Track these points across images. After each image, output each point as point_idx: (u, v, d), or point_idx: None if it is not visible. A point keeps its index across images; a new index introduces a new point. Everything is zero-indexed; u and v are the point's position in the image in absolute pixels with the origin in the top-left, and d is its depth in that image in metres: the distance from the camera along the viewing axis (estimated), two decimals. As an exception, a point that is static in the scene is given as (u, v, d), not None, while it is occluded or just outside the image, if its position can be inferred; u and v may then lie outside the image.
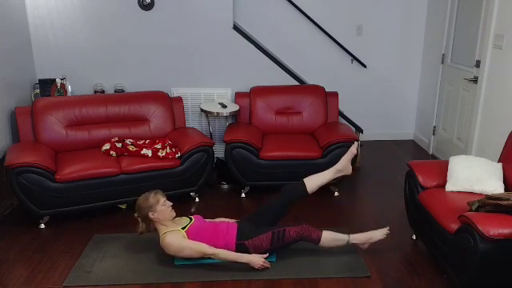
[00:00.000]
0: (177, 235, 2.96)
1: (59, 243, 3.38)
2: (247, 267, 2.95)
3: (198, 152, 3.91)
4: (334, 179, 3.39)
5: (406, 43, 5.53)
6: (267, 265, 2.97)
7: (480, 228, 2.37)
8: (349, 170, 3.36)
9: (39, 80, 4.47)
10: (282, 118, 4.57)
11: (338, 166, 3.33)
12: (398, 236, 3.44)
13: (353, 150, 3.36)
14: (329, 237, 3.04)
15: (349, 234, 3.10)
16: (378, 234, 3.13)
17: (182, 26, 4.68)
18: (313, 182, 3.25)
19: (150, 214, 2.99)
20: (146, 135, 4.22)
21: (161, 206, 3.00)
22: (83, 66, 4.71)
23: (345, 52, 5.41)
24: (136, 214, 3.07)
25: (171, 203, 3.08)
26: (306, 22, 5.29)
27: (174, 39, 4.70)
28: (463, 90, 4.57)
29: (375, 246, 3.23)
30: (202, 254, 2.95)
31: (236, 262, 2.96)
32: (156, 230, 3.05)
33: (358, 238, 3.10)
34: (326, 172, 3.32)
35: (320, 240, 3.01)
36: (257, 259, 2.95)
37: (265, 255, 2.98)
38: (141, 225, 3.05)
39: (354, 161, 3.90)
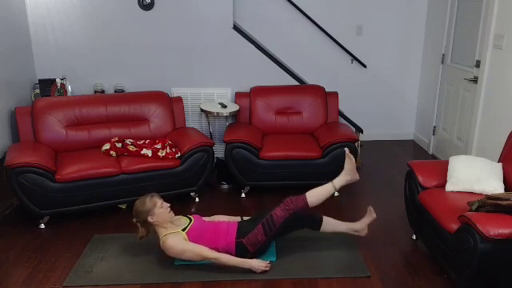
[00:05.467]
0: (178, 237, 2.94)
1: (59, 243, 3.38)
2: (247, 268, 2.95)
3: (197, 152, 3.91)
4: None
5: (406, 43, 5.53)
6: (268, 268, 2.96)
7: (480, 228, 2.37)
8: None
9: (39, 80, 4.47)
10: (281, 117, 4.57)
11: (356, 226, 3.21)
12: (398, 236, 3.44)
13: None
14: (314, 194, 3.04)
15: (332, 181, 3.09)
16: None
17: (182, 25, 4.67)
18: (330, 223, 3.17)
19: (149, 218, 2.96)
20: (146, 135, 4.22)
21: (158, 209, 2.97)
22: (83, 65, 4.71)
23: (345, 52, 5.41)
24: (134, 220, 3.04)
25: (169, 204, 3.05)
26: (306, 22, 5.29)
27: (174, 39, 4.70)
28: (463, 89, 4.57)
29: (375, 247, 3.22)
30: (203, 257, 2.93)
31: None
32: (156, 232, 3.03)
33: (341, 181, 3.09)
34: (341, 223, 3.20)
35: (307, 202, 2.99)
36: (258, 264, 2.94)
37: (266, 262, 2.98)
38: (140, 230, 3.03)
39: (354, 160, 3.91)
